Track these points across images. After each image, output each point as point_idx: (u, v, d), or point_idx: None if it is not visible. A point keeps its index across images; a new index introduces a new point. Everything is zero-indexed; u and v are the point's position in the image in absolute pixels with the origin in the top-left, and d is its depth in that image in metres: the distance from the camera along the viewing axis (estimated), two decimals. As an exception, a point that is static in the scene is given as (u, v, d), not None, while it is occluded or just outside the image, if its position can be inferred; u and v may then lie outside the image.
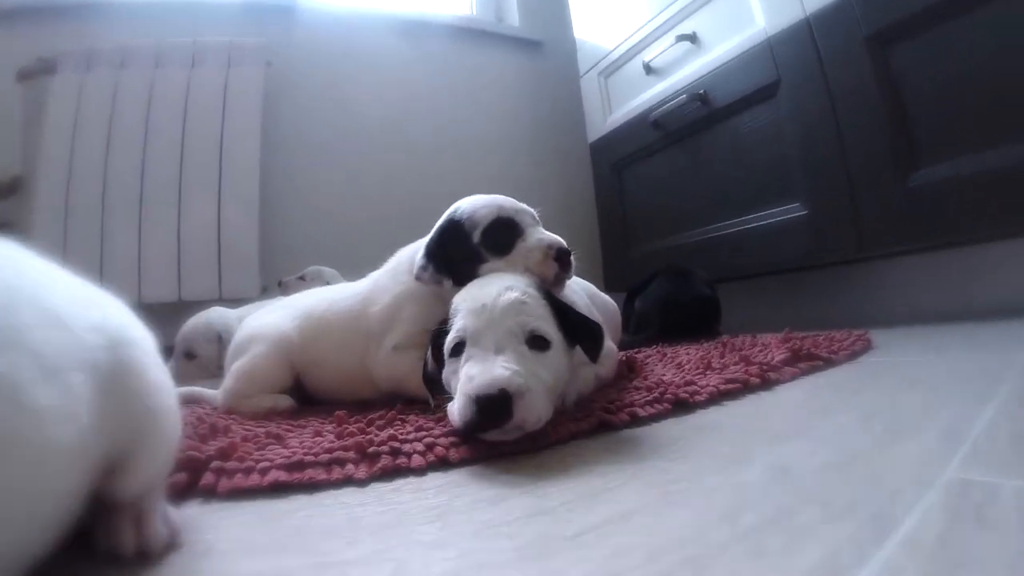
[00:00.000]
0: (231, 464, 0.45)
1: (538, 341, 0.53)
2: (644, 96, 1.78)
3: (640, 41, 1.79)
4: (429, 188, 1.87)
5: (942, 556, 0.24)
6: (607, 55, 1.94)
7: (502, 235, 0.68)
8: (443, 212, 0.76)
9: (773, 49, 1.39)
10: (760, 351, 0.84)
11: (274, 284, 1.59)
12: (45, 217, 1.54)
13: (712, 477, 0.37)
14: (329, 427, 0.58)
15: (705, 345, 1.06)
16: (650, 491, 0.35)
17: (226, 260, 1.66)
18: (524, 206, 0.73)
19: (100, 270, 1.55)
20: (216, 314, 1.18)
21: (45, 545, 0.25)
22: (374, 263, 0.89)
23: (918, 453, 0.39)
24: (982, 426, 0.42)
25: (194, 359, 1.14)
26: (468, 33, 2.20)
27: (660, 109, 1.68)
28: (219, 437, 0.55)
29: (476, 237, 0.69)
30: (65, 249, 1.53)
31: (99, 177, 1.59)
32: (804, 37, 1.31)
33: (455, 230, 0.71)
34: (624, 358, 0.88)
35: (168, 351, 1.18)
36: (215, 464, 0.45)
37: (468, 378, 0.48)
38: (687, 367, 0.79)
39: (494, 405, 0.45)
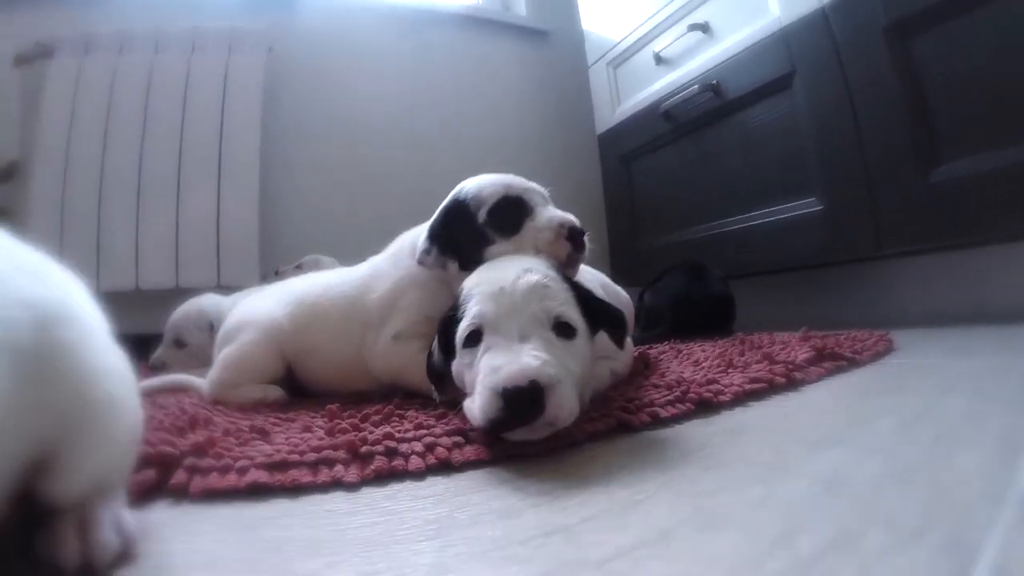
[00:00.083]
0: (207, 461, 0.41)
1: (564, 328, 0.48)
2: (654, 87, 1.73)
3: (651, 31, 1.74)
4: (431, 178, 1.81)
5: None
6: (616, 45, 1.89)
7: (510, 214, 0.63)
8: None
9: (788, 39, 1.34)
10: (781, 349, 0.79)
11: (272, 273, 1.55)
12: (41, 203, 1.52)
13: (753, 489, 0.32)
14: (320, 422, 0.53)
15: (721, 342, 1.01)
16: (684, 505, 0.30)
17: (225, 248, 1.63)
18: (534, 185, 0.68)
19: (97, 256, 1.53)
20: (209, 301, 1.13)
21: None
22: (375, 254, 0.84)
23: (978, 464, 0.34)
24: (1037, 434, 0.38)
25: (184, 347, 1.09)
26: (473, 22, 2.15)
27: (671, 100, 1.63)
28: (198, 430, 0.50)
29: (482, 217, 0.64)
30: (62, 235, 1.50)
31: (97, 163, 1.57)
32: (820, 27, 1.26)
33: (460, 210, 0.66)
34: (637, 354, 0.83)
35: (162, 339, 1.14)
36: (189, 461, 0.41)
37: (492, 369, 0.43)
38: (705, 365, 0.74)
39: (524, 399, 0.40)
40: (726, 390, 0.57)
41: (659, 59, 1.71)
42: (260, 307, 0.81)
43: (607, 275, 0.87)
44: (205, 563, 0.27)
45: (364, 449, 0.41)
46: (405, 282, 0.73)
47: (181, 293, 1.22)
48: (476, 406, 0.43)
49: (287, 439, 0.46)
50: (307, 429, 0.50)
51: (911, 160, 1.12)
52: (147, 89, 1.63)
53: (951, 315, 1.19)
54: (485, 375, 0.43)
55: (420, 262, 0.68)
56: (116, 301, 1.22)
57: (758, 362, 0.71)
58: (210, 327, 1.05)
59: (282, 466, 0.39)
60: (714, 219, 1.58)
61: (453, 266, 0.65)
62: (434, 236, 0.68)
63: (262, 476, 0.38)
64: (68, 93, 1.57)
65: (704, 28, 1.57)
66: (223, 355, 0.76)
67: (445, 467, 0.41)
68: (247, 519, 0.33)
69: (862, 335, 0.93)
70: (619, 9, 1.87)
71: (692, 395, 0.55)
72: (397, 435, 0.45)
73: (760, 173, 1.45)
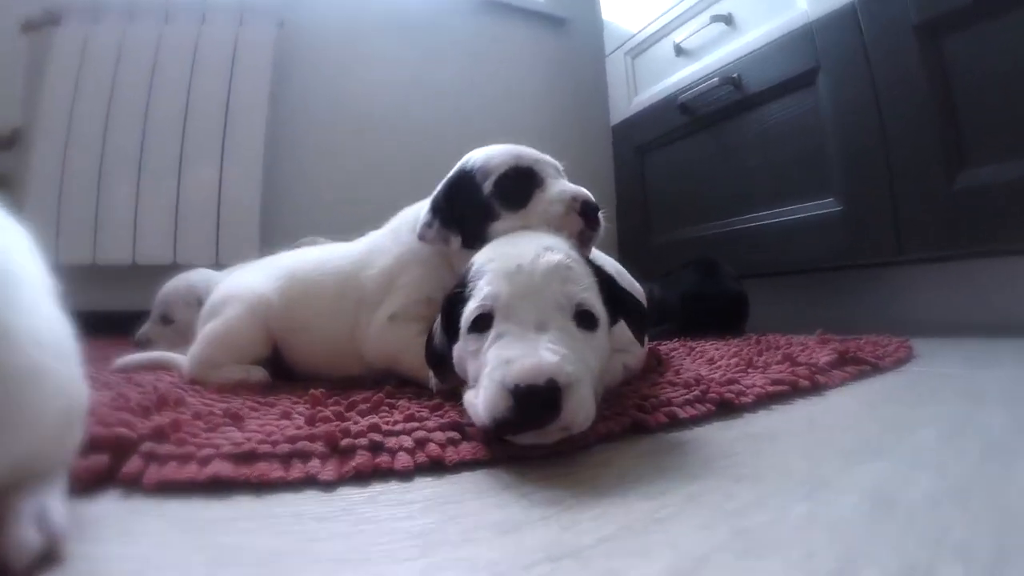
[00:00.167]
0: (166, 448, 0.36)
1: (586, 317, 0.42)
2: (673, 78, 1.68)
3: (672, 21, 1.69)
4: (440, 167, 1.77)
5: None
6: (635, 34, 1.84)
7: (518, 186, 0.58)
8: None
9: (814, 34, 1.30)
10: (801, 351, 0.74)
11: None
12: (42, 172, 1.50)
13: (796, 507, 0.28)
14: (302, 408, 0.48)
15: (735, 341, 0.96)
16: (719, 524, 0.26)
17: (225, 227, 1.60)
18: (547, 157, 0.62)
19: (95, 228, 1.51)
20: (199, 276, 1.07)
21: None
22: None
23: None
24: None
25: (171, 324, 1.04)
26: (491, 6, 2.09)
27: (689, 92, 1.58)
28: (165, 411, 0.45)
29: (487, 188, 0.58)
30: (60, 204, 1.48)
31: (99, 134, 1.54)
32: (849, 22, 1.22)
33: (465, 181, 0.61)
34: (648, 350, 0.78)
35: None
36: (146, 446, 0.36)
37: (503, 362, 0.37)
38: (722, 364, 0.70)
39: (539, 400, 0.35)
40: (747, 391, 0.53)
41: (679, 50, 1.67)
42: (247, 280, 0.76)
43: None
44: (135, 571, 0.22)
45: (345, 442, 0.36)
46: (406, 258, 0.67)
47: (178, 270, 1.19)
48: (480, 401, 0.38)
49: (261, 426, 0.41)
50: (286, 416, 0.45)
51: (937, 163, 1.08)
52: (154, 60, 1.60)
53: (967, 325, 1.16)
54: (494, 367, 0.37)
55: (420, 236, 0.63)
56: (113, 275, 1.17)
57: (778, 363, 0.66)
58: (199, 303, 1.00)
59: (250, 458, 0.34)
60: (728, 216, 1.53)
61: (456, 241, 0.60)
62: (436, 208, 0.62)
63: (225, 469, 0.33)
64: (74, 61, 1.55)
65: (727, 20, 1.53)
66: (205, 331, 0.71)
67: (437, 466, 0.36)
68: (202, 520, 0.29)
69: (882, 340, 0.90)
70: (639, -1, 1.82)
71: (713, 395, 0.50)
72: (384, 427, 0.40)
73: (778, 171, 1.41)
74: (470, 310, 0.43)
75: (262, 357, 0.72)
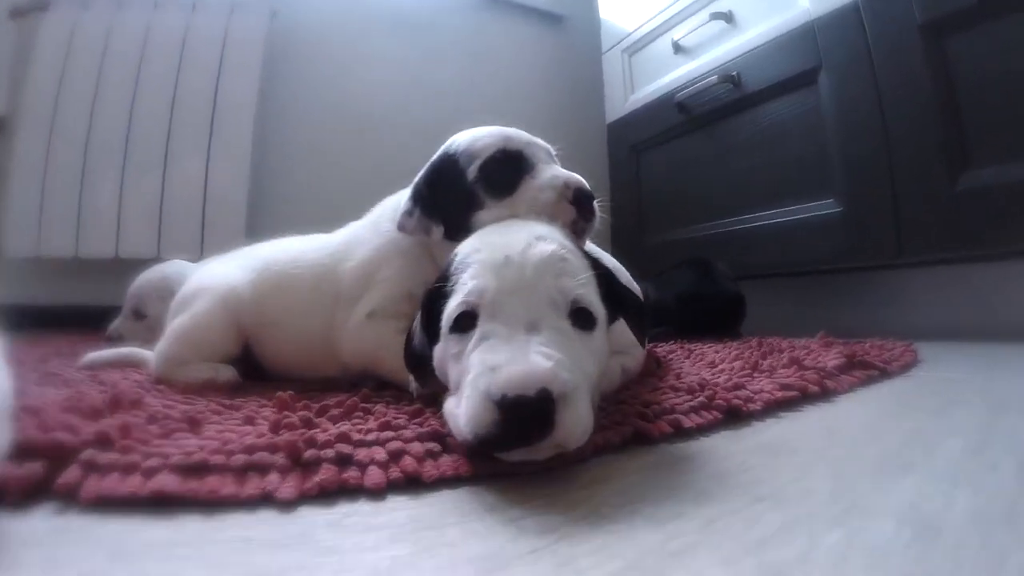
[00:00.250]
0: (109, 456, 0.31)
1: (583, 316, 0.38)
2: (670, 76, 1.65)
3: (670, 18, 1.67)
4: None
5: None
6: (633, 32, 1.81)
7: (506, 172, 0.53)
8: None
9: (816, 32, 1.28)
10: (807, 354, 0.71)
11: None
12: (25, 161, 1.48)
13: (828, 535, 0.24)
14: (268, 412, 0.43)
15: (735, 344, 0.92)
16: (744, 559, 0.22)
17: (210, 221, 1.58)
18: (538, 140, 0.58)
19: (78, 220, 1.47)
20: (173, 268, 1.02)
21: None
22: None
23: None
24: None
25: (143, 319, 0.99)
26: (488, 2, 2.06)
27: (687, 90, 1.55)
28: (118, 414, 0.40)
29: (472, 174, 0.54)
30: (43, 195, 1.46)
31: (84, 123, 1.51)
32: (852, 21, 1.20)
33: (448, 165, 0.56)
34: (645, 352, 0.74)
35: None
36: (87, 454, 0.32)
37: (487, 368, 0.32)
38: (724, 367, 0.66)
39: (529, 413, 0.30)
40: (755, 397, 0.49)
41: (677, 48, 1.64)
42: (220, 272, 0.71)
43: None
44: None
45: (309, 454, 0.31)
46: (387, 250, 0.63)
47: (162, 264, 1.14)
48: (461, 413, 0.33)
49: (220, 432, 0.37)
50: (249, 421, 0.41)
51: (940, 164, 1.07)
52: (142, 49, 1.58)
53: (966, 329, 1.15)
54: (478, 374, 0.33)
55: (400, 226, 0.58)
56: (95, 268, 1.12)
57: (785, 367, 0.63)
58: (173, 297, 0.95)
59: (200, 470, 0.30)
60: (724, 216, 1.51)
61: (438, 232, 0.56)
62: (417, 196, 0.58)
63: (172, 483, 0.29)
64: (61, 49, 1.51)
65: (727, 17, 1.51)
66: (173, 326, 0.66)
67: (413, 483, 0.31)
68: (137, 543, 0.24)
69: (887, 344, 0.88)
70: (639, -3, 1.80)
71: (719, 402, 0.46)
72: (355, 437, 0.35)
73: (776, 170, 1.39)
74: (452, 307, 0.38)
75: (232, 355, 0.68)
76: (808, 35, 1.29)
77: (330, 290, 0.65)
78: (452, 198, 0.55)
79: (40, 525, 0.27)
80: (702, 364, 0.71)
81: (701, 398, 0.46)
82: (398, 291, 0.60)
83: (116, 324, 1.01)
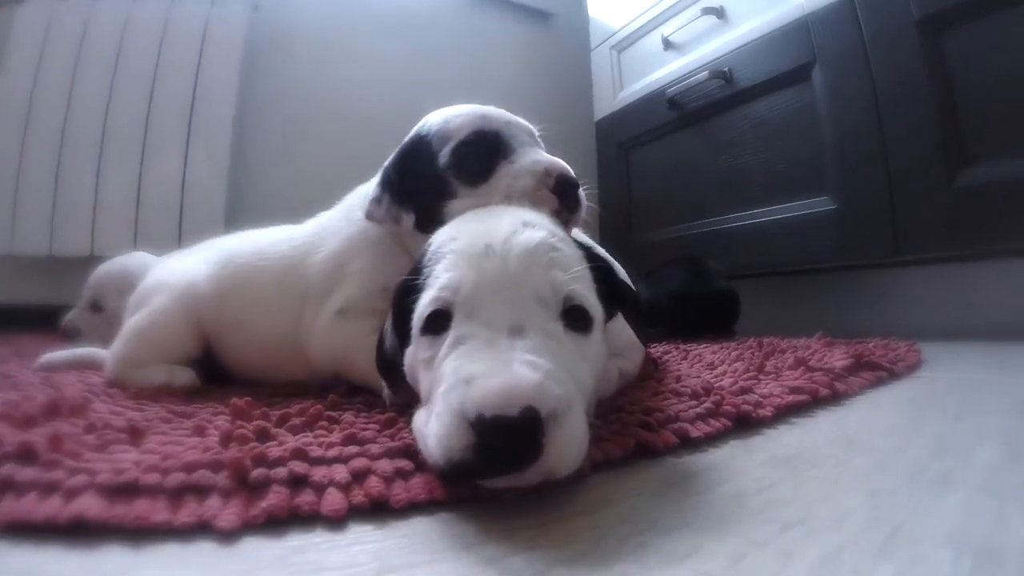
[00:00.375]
0: (30, 473, 0.27)
1: (577, 315, 0.33)
2: (660, 73, 1.63)
3: (660, 14, 1.64)
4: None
5: None
6: (621, 28, 1.79)
7: (480, 155, 0.48)
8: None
9: (810, 28, 1.25)
10: (811, 355, 0.68)
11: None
12: None
13: (878, 570, 0.20)
14: (222, 421, 0.38)
15: (734, 344, 0.89)
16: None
17: (188, 219, 1.54)
18: (520, 120, 0.53)
19: (52, 216, 1.44)
20: (135, 261, 0.96)
21: None
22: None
23: None
24: None
25: (101, 312, 0.93)
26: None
27: (677, 86, 1.53)
28: (55, 421, 0.35)
29: (444, 158, 0.49)
30: (17, 189, 1.42)
31: (60, 117, 1.47)
32: (847, 16, 1.18)
33: (419, 148, 0.51)
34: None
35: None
36: (5, 470, 0.27)
37: (460, 379, 0.27)
38: (726, 369, 0.62)
39: (511, 437, 0.25)
40: (765, 402, 0.45)
41: (668, 43, 1.62)
42: (181, 267, 0.65)
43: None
44: None
45: (257, 473, 0.27)
46: (357, 242, 0.58)
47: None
48: (431, 433, 0.27)
49: (162, 444, 0.32)
50: (199, 431, 0.35)
51: (937, 162, 1.05)
52: (120, 41, 1.54)
53: (965, 329, 1.13)
54: (450, 386, 0.27)
55: (369, 215, 0.53)
56: (69, 266, 1.06)
57: (791, 368, 0.59)
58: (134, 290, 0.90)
59: (130, 491, 0.25)
60: (716, 215, 1.49)
61: (408, 220, 0.51)
62: (387, 181, 0.53)
63: (95, 506, 0.24)
64: (36, 40, 1.47)
65: (719, 13, 1.49)
66: (129, 324, 0.61)
67: (378, 509, 0.26)
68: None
69: (891, 344, 0.85)
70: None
71: (727, 408, 0.41)
72: (313, 453, 0.30)
73: (769, 168, 1.37)
74: (423, 304, 0.33)
75: (192, 356, 0.62)
76: (802, 30, 1.27)
77: (298, 285, 0.59)
78: (422, 185, 0.50)
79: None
80: (700, 366, 0.67)
81: (707, 404, 0.42)
82: (371, 286, 0.55)
83: (72, 316, 0.95)
